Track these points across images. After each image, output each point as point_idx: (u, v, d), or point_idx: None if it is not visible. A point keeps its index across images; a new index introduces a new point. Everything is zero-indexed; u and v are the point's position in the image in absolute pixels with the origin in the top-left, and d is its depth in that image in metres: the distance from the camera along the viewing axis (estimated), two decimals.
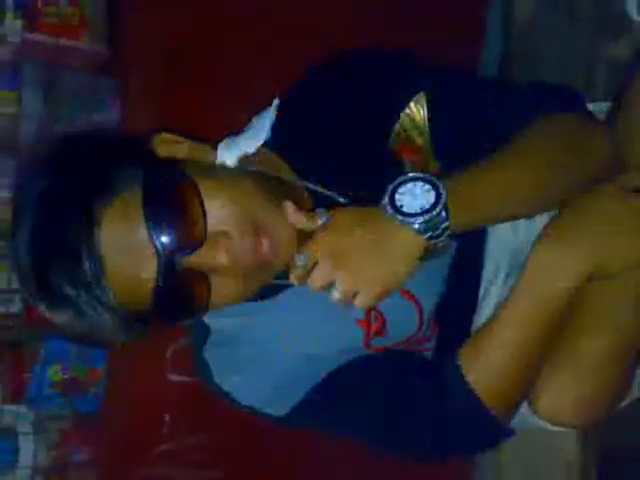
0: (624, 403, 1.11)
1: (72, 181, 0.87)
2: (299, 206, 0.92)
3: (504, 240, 1.12)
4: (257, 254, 0.89)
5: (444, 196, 0.86)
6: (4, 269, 1.57)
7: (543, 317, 0.96)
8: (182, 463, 1.64)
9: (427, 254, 0.89)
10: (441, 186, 0.87)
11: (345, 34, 1.52)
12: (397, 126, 1.04)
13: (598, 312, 1.00)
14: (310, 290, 0.89)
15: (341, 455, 1.67)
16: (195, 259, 0.87)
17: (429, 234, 0.87)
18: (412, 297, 1.04)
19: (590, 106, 1.09)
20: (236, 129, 1.03)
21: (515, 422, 1.01)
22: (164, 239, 0.85)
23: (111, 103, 1.60)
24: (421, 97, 1.03)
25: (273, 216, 0.91)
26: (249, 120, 1.04)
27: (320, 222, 0.90)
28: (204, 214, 0.87)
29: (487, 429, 0.98)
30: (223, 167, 0.96)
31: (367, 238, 0.88)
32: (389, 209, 0.87)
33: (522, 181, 0.94)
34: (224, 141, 0.99)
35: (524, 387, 1.00)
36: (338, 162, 1.04)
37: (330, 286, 0.88)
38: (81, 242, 0.83)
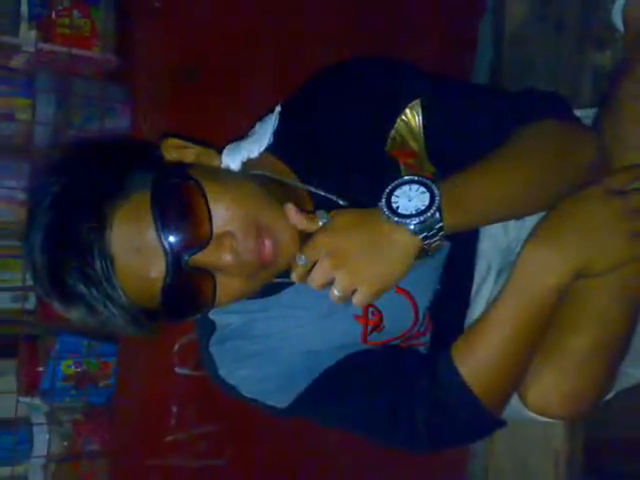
0: (610, 395, 1.13)
1: (84, 184, 0.90)
2: (300, 208, 0.95)
3: (496, 240, 1.15)
4: (260, 254, 0.92)
5: (438, 198, 0.89)
6: (19, 268, 1.60)
7: (531, 314, 0.98)
8: (189, 452, 1.67)
9: (422, 254, 0.92)
10: (435, 188, 0.90)
11: (345, 46, 1.54)
12: (393, 131, 1.07)
13: (585, 309, 1.02)
14: (310, 288, 0.92)
15: (340, 442, 1.70)
16: (201, 258, 0.90)
17: (424, 234, 0.90)
18: (408, 294, 1.07)
19: (577, 112, 1.11)
20: (240, 134, 1.06)
21: (506, 413, 1.03)
22: (172, 239, 0.88)
23: (121, 110, 1.62)
24: (416, 103, 1.06)
25: (275, 218, 0.94)
26: (252, 126, 1.08)
27: (320, 223, 0.94)
28: (210, 215, 0.90)
29: (479, 420, 1.01)
30: (228, 171, 1.00)
31: (365, 239, 0.91)
32: (386, 211, 0.90)
33: (514, 183, 0.97)
34: (229, 146, 1.02)
35: (514, 381, 1.02)
36: (338, 165, 1.07)
37: (330, 284, 0.91)
38: (93, 242, 0.86)
